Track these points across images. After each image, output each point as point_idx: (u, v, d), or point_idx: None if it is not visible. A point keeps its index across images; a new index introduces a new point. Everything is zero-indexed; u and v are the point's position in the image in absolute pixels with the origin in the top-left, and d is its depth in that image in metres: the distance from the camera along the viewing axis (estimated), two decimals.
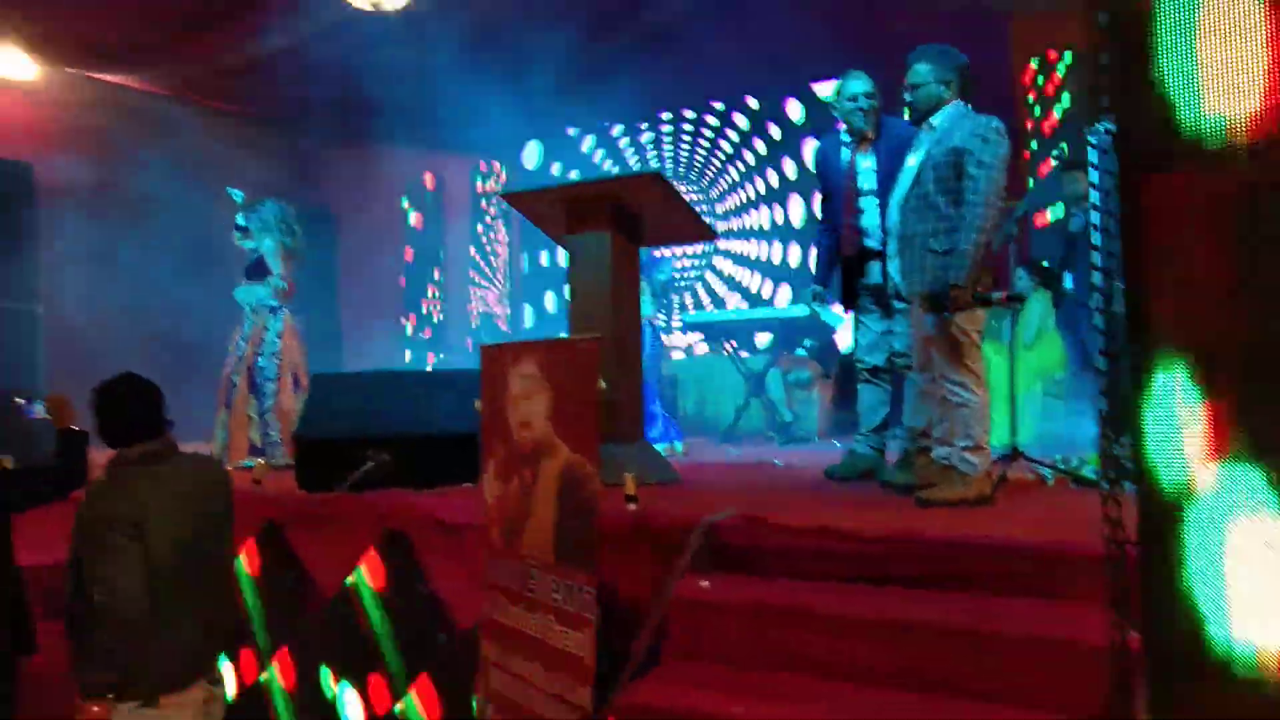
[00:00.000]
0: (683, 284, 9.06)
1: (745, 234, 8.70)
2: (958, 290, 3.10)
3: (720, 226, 8.70)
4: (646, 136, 9.29)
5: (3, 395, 6.18)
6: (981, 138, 3.13)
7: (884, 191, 3.79)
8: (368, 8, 6.32)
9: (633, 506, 3.01)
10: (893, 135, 3.93)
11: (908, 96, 3.39)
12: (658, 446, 5.63)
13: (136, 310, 8.37)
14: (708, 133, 8.94)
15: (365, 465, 3.85)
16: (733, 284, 8.77)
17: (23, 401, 6.18)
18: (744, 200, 8.73)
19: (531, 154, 10.02)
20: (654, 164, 9.14)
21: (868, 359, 4.03)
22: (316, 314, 9.20)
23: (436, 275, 10.79)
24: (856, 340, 4.18)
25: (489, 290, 10.38)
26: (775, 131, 8.50)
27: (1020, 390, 4.34)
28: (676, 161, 9.12)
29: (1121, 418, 1.39)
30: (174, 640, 2.65)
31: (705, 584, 2.65)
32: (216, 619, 2.88)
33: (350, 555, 3.53)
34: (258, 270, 5.55)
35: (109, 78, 8.88)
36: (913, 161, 3.33)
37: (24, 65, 8.25)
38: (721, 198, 8.85)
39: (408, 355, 10.50)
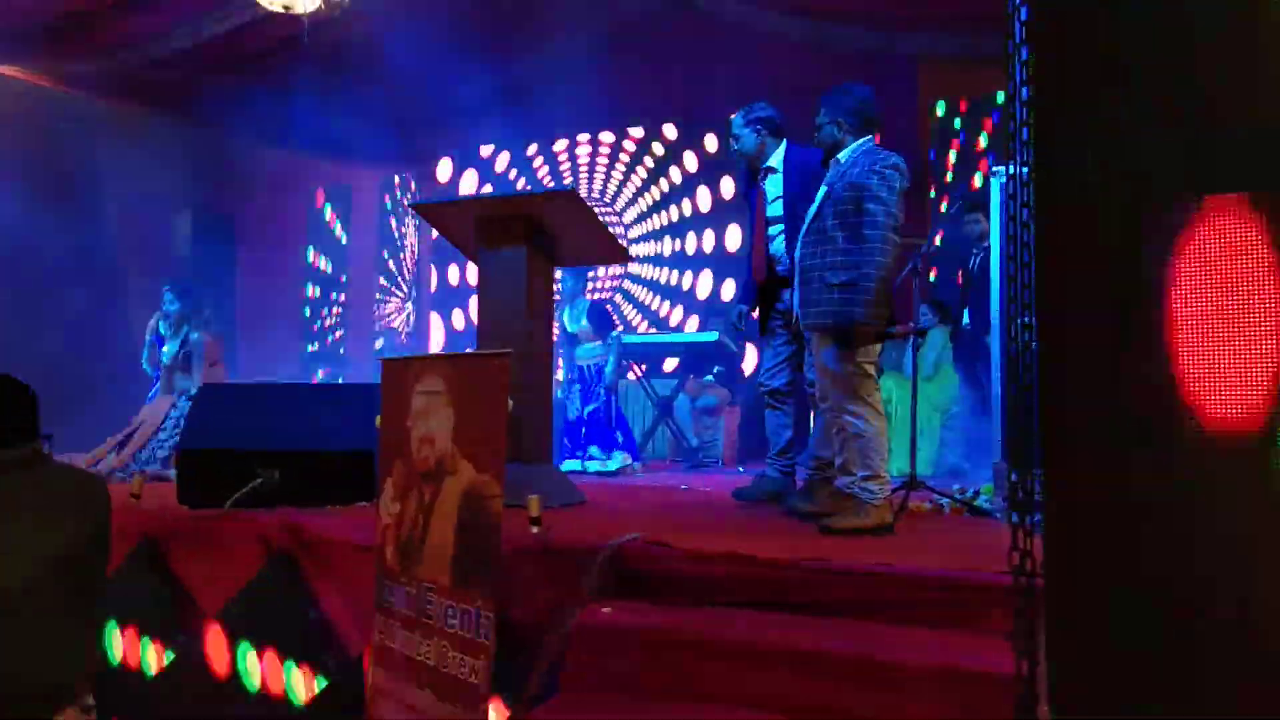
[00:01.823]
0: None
1: (657, 260, 8.73)
2: (861, 325, 3.14)
3: (633, 250, 8.72)
4: (563, 156, 9.25)
5: None
6: (878, 174, 3.20)
7: (789, 219, 3.87)
8: (278, 9, 6.12)
9: (536, 529, 2.93)
10: (793, 163, 4.01)
11: (815, 136, 3.48)
12: (616, 459, 5.88)
13: (20, 319, 7.87)
14: (624, 157, 8.96)
15: (253, 481, 3.67)
16: (643, 309, 8.77)
17: None
18: (658, 226, 8.76)
19: (444, 169, 9.86)
20: (568, 184, 9.12)
21: (770, 382, 4.07)
22: (213, 321, 8.84)
23: (339, 287, 10.49)
24: (760, 364, 4.23)
25: (394, 306, 10.13)
26: (691, 163, 8.57)
27: (919, 421, 4.44)
28: (590, 183, 9.11)
29: (1030, 450, 1.40)
30: (33, 665, 2.44)
31: (607, 610, 2.59)
32: (82, 644, 2.67)
33: (235, 576, 3.34)
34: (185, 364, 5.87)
35: None
36: (817, 195, 3.39)
37: None
38: (636, 221, 8.87)
39: (322, 373, 10.16)
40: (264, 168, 10.39)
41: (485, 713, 2.25)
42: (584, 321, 6.22)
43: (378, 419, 2.97)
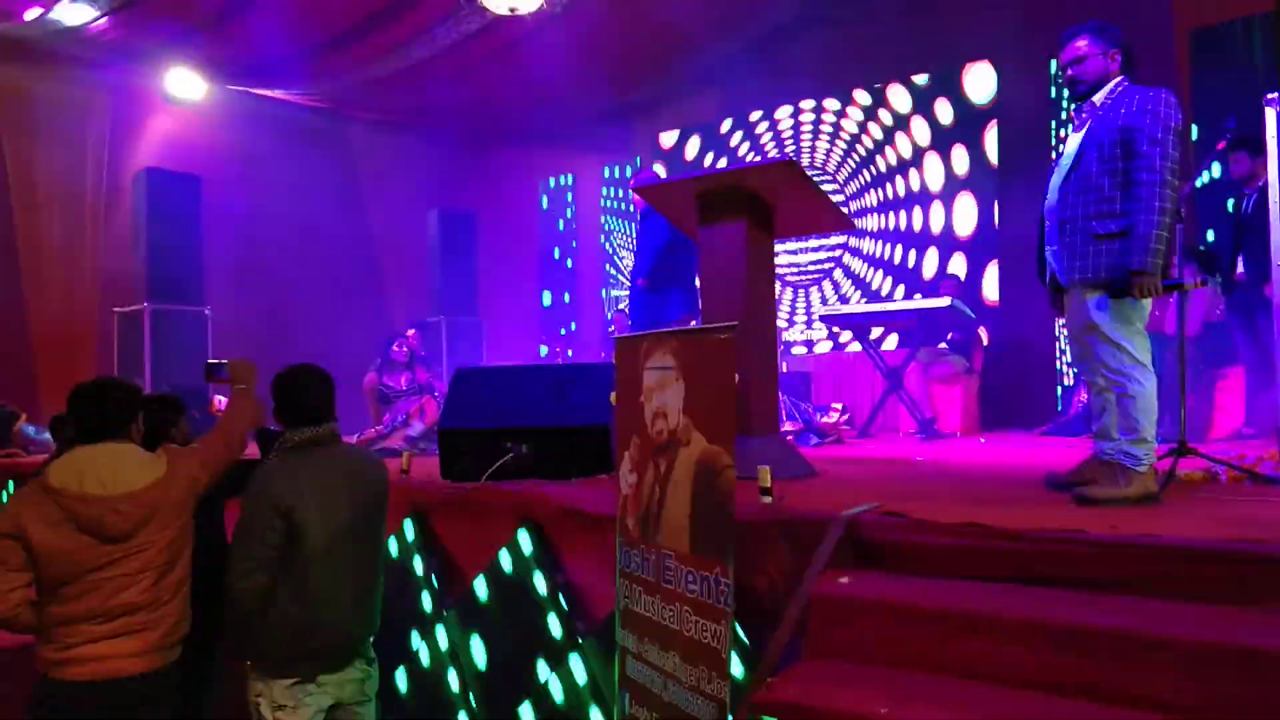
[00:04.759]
0: (810, 280, 8.89)
1: (879, 235, 8.44)
2: (1142, 276, 2.90)
3: (856, 222, 8.51)
4: (785, 126, 9.15)
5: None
6: (1152, 113, 2.92)
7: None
8: (504, 12, 6.47)
9: (768, 500, 2.95)
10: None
11: (1070, 72, 3.20)
12: None
13: (282, 318, 8.91)
14: (848, 125, 8.72)
15: (504, 456, 3.94)
16: (859, 282, 8.52)
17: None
18: (874, 174, 8.46)
19: (665, 153, 10.04)
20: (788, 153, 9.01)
21: None
22: (461, 310, 9.58)
23: (570, 270, 11.00)
24: None
25: (621, 287, 10.48)
26: (922, 135, 8.20)
27: (1188, 383, 4.04)
28: (813, 153, 8.94)
29: None
30: (331, 621, 2.78)
31: (845, 580, 2.57)
32: (370, 602, 3.01)
33: (491, 543, 3.62)
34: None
35: (266, 93, 9.45)
36: (1073, 142, 3.15)
37: (193, 85, 8.88)
38: (858, 194, 8.62)
39: (542, 350, 10.77)
40: (496, 164, 11.07)
41: (729, 675, 2.31)
42: None
43: (612, 395, 3.11)
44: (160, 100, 8.95)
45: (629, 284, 6.18)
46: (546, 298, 11.16)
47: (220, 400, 6.91)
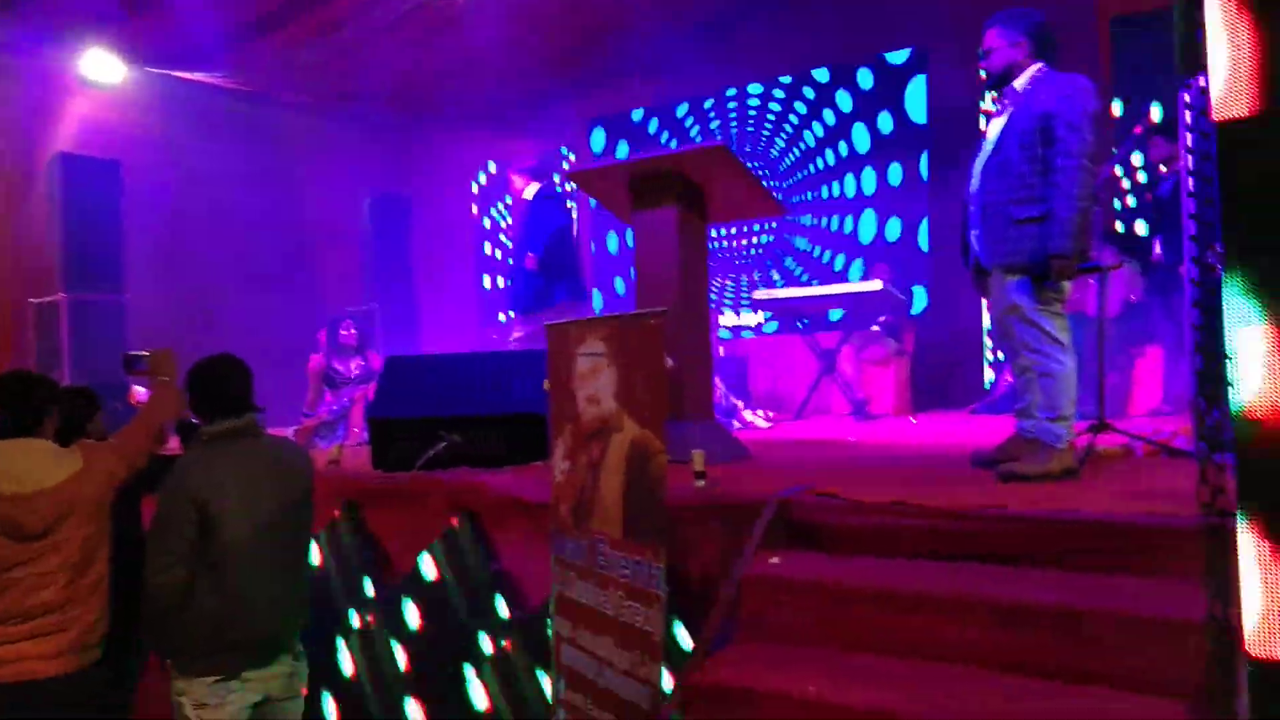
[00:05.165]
0: (750, 262, 8.95)
1: (818, 207, 8.49)
2: (1060, 260, 2.97)
3: (790, 200, 8.54)
4: (711, 115, 9.17)
5: None
6: (1070, 98, 3.01)
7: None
8: None
9: (701, 483, 2.97)
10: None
11: (980, 64, 3.29)
12: None
13: (208, 307, 8.68)
14: (774, 107, 8.77)
15: (438, 445, 3.90)
16: (808, 260, 8.58)
17: None
18: (814, 171, 8.52)
19: (597, 139, 10.00)
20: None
21: None
22: (395, 297, 9.43)
23: (504, 256, 10.91)
24: None
25: None
26: (846, 102, 8.28)
27: (1108, 362, 4.16)
28: (743, 139, 8.97)
29: (1218, 382, 1.30)
30: (253, 616, 2.71)
31: (776, 560, 2.60)
32: (297, 594, 2.95)
33: (424, 533, 3.58)
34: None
35: (190, 75, 9.15)
36: (995, 128, 3.22)
37: (112, 67, 8.55)
38: (790, 171, 8.67)
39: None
40: (430, 149, 10.90)
41: (661, 659, 2.32)
42: None
43: (545, 382, 3.09)
44: (76, 83, 8.59)
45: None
46: (486, 281, 11.05)
47: (140, 392, 6.68)
